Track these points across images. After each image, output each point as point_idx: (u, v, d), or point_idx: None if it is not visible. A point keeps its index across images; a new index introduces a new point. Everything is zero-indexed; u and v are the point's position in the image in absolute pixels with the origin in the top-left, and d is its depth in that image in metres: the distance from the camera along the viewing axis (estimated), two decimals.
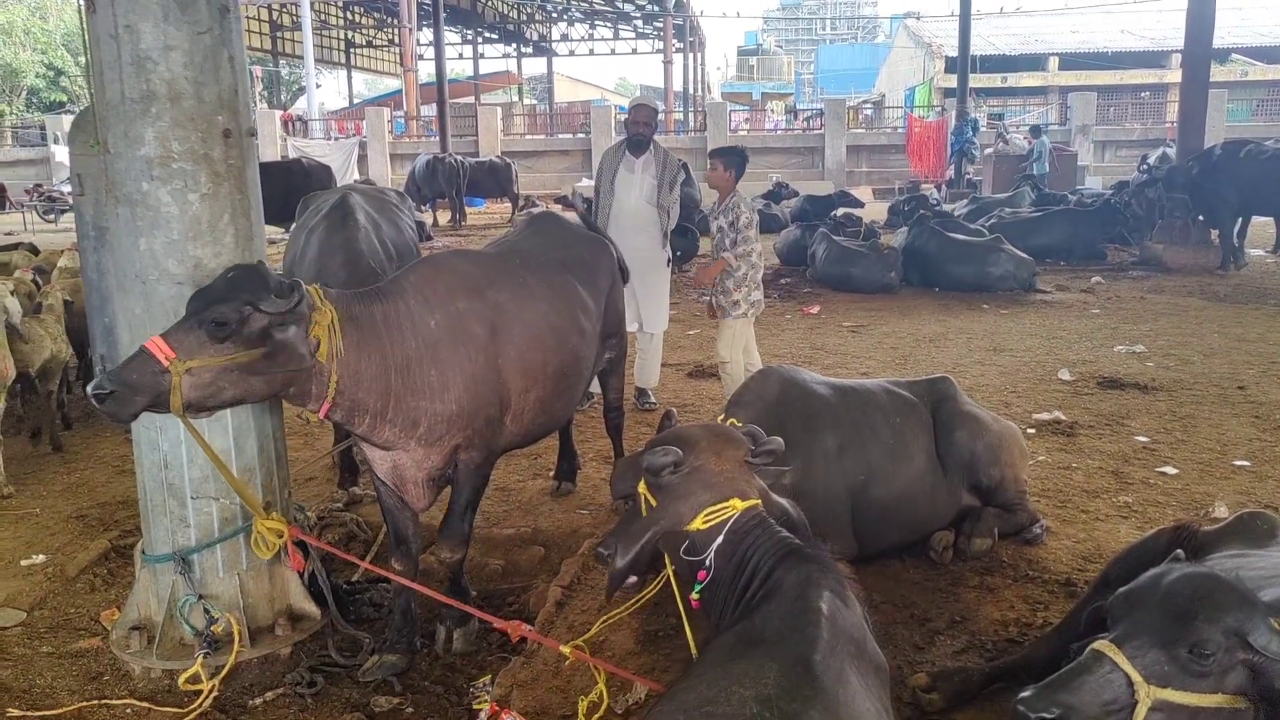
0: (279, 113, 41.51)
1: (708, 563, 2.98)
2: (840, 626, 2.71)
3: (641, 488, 3.28)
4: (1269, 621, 2.40)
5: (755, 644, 2.68)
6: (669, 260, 8.17)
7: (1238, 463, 6.49)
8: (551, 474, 6.25)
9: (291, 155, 30.34)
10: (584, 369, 4.86)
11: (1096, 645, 2.47)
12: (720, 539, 2.98)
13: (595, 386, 6.34)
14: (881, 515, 4.82)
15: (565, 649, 3.43)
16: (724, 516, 3.00)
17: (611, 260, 5.41)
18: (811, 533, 3.24)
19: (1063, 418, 7.52)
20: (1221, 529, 3.64)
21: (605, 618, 3.58)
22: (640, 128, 7.95)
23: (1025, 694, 2.39)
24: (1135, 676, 2.36)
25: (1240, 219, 15.81)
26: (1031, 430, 7.24)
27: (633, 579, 3.53)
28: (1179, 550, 2.82)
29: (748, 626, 2.81)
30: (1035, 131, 28.13)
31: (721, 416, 4.33)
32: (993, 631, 4.24)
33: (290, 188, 14.45)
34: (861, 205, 24.18)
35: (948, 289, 13.88)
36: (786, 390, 4.89)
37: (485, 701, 3.77)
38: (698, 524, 3.02)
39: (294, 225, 6.37)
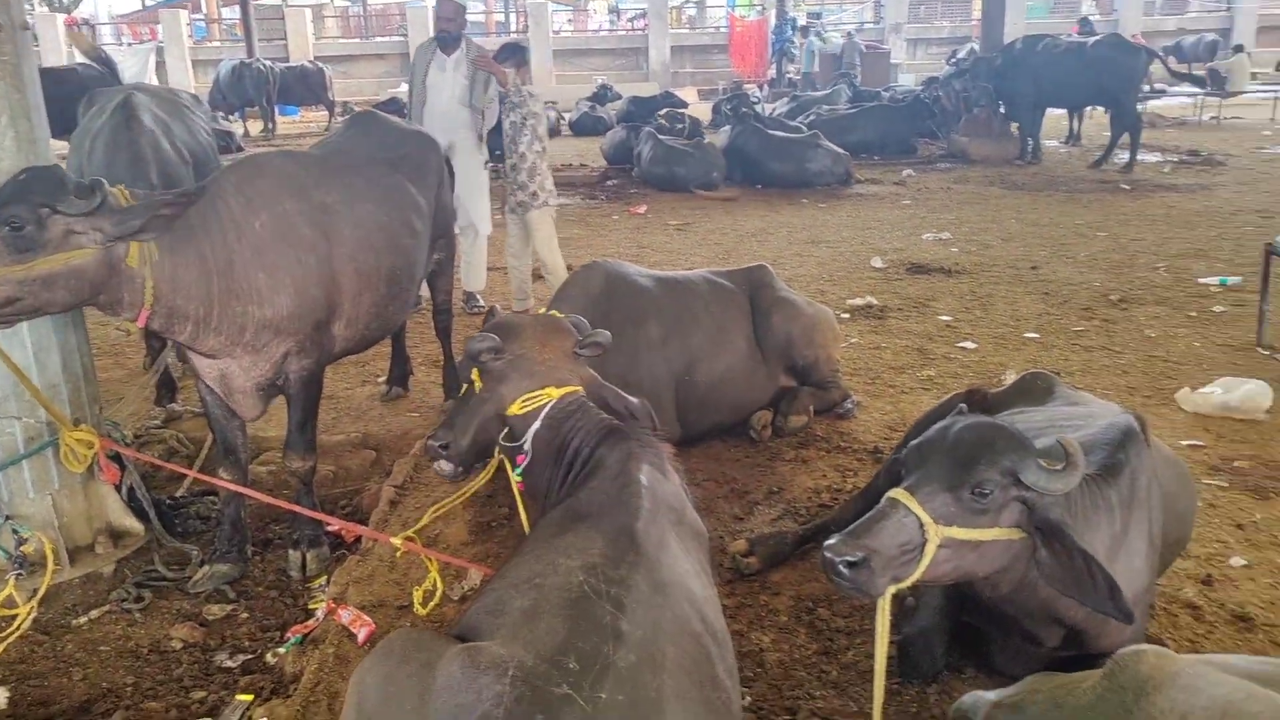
0: (61, 16, 37.76)
1: (526, 446, 3.06)
2: (660, 497, 2.85)
3: (474, 374, 3.32)
4: (1039, 461, 2.67)
5: (580, 519, 2.78)
6: (486, 161, 8.04)
7: (1028, 335, 7.06)
8: (381, 379, 6.19)
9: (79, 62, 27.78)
10: (416, 271, 4.79)
11: (891, 493, 2.68)
12: (538, 424, 3.06)
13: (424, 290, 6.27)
14: (704, 399, 5.03)
15: (396, 541, 3.46)
16: (540, 402, 3.07)
17: (439, 158, 5.28)
18: (650, 415, 3.33)
19: (874, 302, 7.95)
20: (1007, 390, 3.99)
21: (435, 508, 3.62)
22: (446, 24, 7.72)
23: (831, 541, 2.58)
24: (925, 518, 2.58)
25: (1037, 111, 16.75)
26: (846, 315, 7.63)
27: (460, 470, 3.60)
28: (962, 404, 3.08)
29: (573, 504, 2.91)
30: (805, 31, 28.60)
31: (544, 310, 4.37)
32: (806, 499, 4.54)
33: (64, 98, 13.28)
34: (686, 106, 24.26)
35: (770, 185, 14.25)
36: (611, 283, 4.98)
37: (321, 601, 3.78)
38: (515, 409, 3.08)
39: (76, 130, 5.89)
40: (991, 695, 2.36)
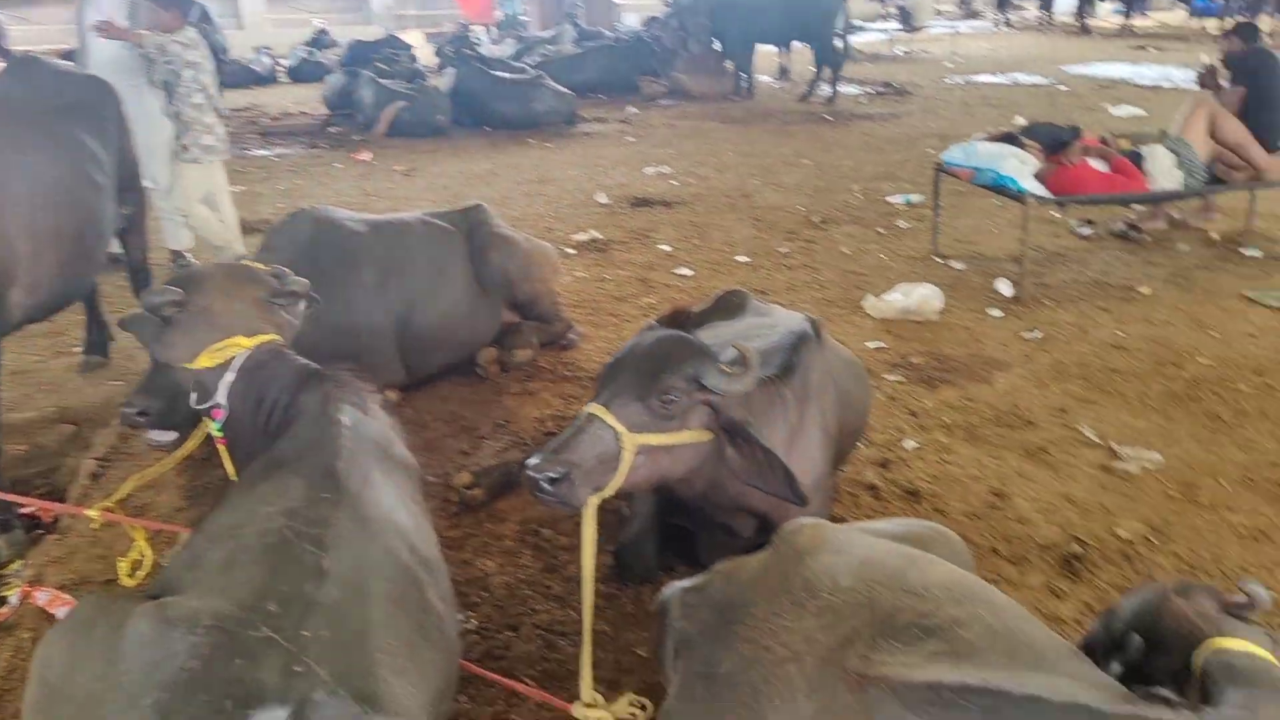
0: None
1: (220, 400, 2.96)
2: (363, 434, 2.84)
3: None
4: (719, 366, 2.89)
5: (280, 465, 2.73)
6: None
7: (740, 259, 7.50)
8: (78, 349, 5.71)
9: None
10: (102, 228, 4.43)
11: (587, 408, 2.83)
12: (231, 376, 2.96)
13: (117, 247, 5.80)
14: (427, 340, 5.02)
15: (91, 513, 3.26)
16: (230, 354, 2.97)
17: (116, 103, 4.85)
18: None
19: (599, 236, 8.16)
20: (706, 308, 4.24)
21: (136, 477, 3.43)
22: None
23: (531, 460, 2.69)
24: (619, 428, 2.75)
25: (748, 48, 17.54)
26: (571, 250, 7.79)
27: (169, 435, 3.43)
28: (652, 320, 3.28)
29: (272, 453, 2.84)
30: None
31: (247, 263, 4.19)
32: (532, 428, 4.67)
33: None
34: (410, 49, 23.51)
35: (497, 127, 14.15)
36: (319, 230, 4.84)
37: (15, 587, 3.51)
38: (205, 362, 2.97)
39: None
40: (685, 583, 2.57)
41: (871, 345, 5.58)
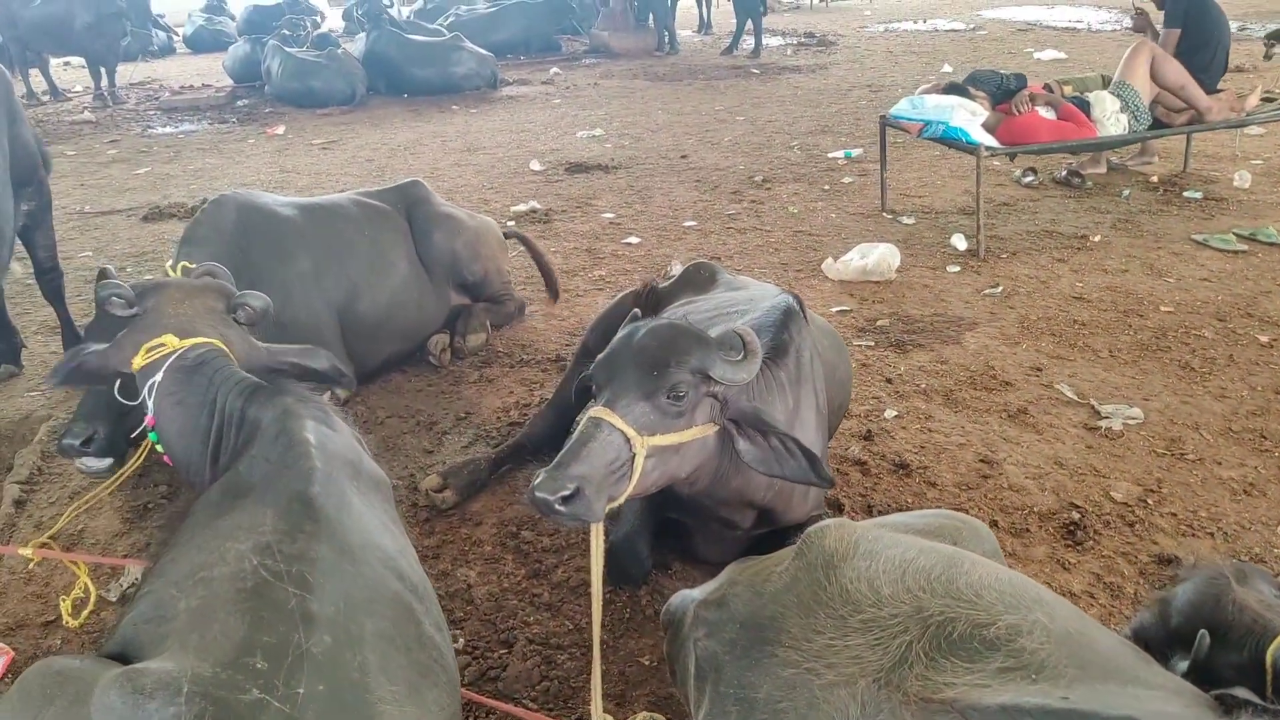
0: None
1: (147, 401, 2.69)
2: (332, 452, 2.58)
3: None
4: (724, 357, 2.69)
5: (244, 493, 2.45)
6: None
7: (687, 223, 7.28)
8: None
9: None
10: (1, 227, 4.02)
11: (592, 413, 2.59)
12: (160, 376, 2.68)
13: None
14: (373, 330, 4.71)
15: (26, 551, 2.95)
16: (162, 353, 2.69)
17: (8, 87, 4.40)
18: (336, 365, 3.03)
19: (538, 206, 7.86)
20: (674, 283, 4.03)
21: (74, 507, 3.11)
22: None
23: (538, 480, 2.42)
24: (630, 432, 2.51)
25: (668, 1, 17.19)
26: (511, 222, 7.47)
27: (104, 462, 3.14)
28: (636, 310, 3.05)
29: (232, 477, 2.56)
30: None
31: (173, 261, 3.85)
32: (495, 419, 4.41)
33: None
34: (317, 13, 22.58)
35: (416, 93, 13.65)
36: (246, 218, 4.47)
37: None
38: (139, 362, 2.69)
39: None
40: (696, 593, 2.38)
41: (836, 310, 5.43)
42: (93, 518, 3.71)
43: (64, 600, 3.07)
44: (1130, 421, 4.10)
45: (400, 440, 4.29)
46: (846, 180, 8.17)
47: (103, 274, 3.69)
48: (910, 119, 6.56)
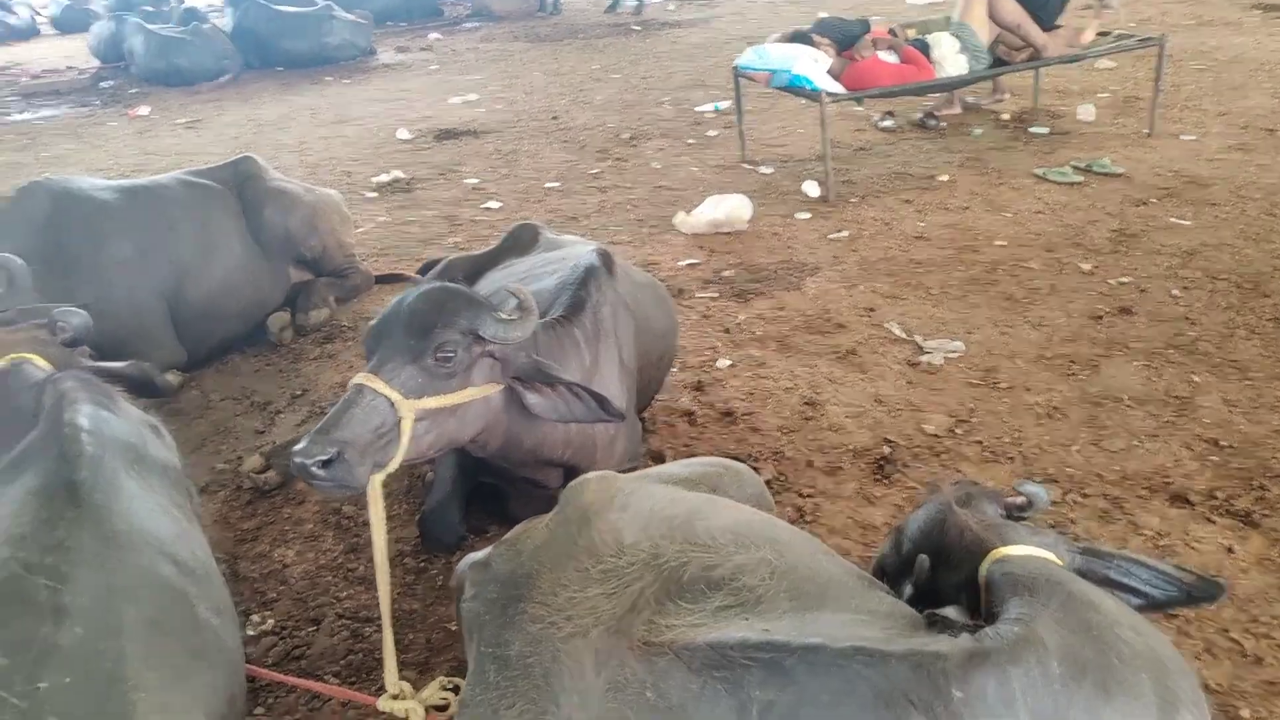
0: None
1: None
2: (108, 437, 2.53)
3: None
4: (495, 315, 2.69)
5: (11, 481, 2.42)
6: None
7: (550, 185, 7.25)
8: None
9: None
10: None
11: (356, 379, 2.59)
12: None
13: None
14: (204, 312, 4.61)
15: None
16: None
17: None
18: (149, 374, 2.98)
19: (402, 176, 7.74)
20: (497, 247, 4.04)
21: None
22: None
23: (299, 445, 2.44)
24: (394, 396, 2.51)
25: None
26: (373, 194, 7.37)
27: None
28: (416, 274, 3.03)
29: (6, 466, 2.52)
30: None
31: None
32: (332, 395, 4.36)
33: None
34: None
35: (290, 66, 13.28)
36: (59, 204, 4.32)
37: None
38: None
39: None
40: (477, 555, 2.41)
41: (684, 263, 5.48)
42: None
43: None
44: (950, 355, 4.23)
45: (231, 422, 4.22)
46: (712, 134, 8.20)
47: None
48: (757, 69, 6.60)
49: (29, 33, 19.70)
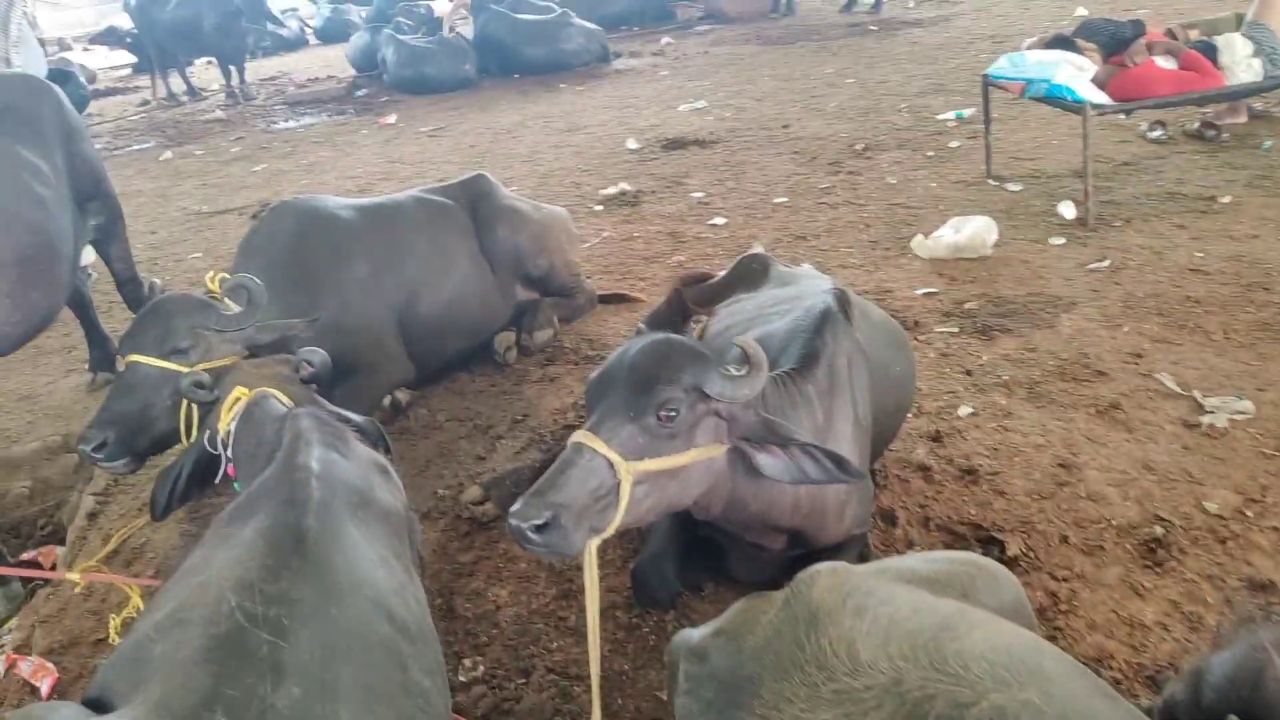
0: None
1: (227, 454, 2.78)
2: (335, 481, 2.53)
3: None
4: (720, 370, 2.49)
5: (246, 519, 2.47)
6: None
7: (777, 200, 7.00)
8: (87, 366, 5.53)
9: None
10: (59, 244, 4.15)
11: (575, 437, 2.46)
12: (232, 426, 2.80)
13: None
14: (435, 330, 4.69)
15: (73, 576, 3.05)
16: (236, 410, 2.80)
17: (58, 103, 4.50)
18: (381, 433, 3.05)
19: (628, 188, 7.70)
20: (725, 278, 3.83)
21: (123, 530, 3.21)
22: None
23: (515, 506, 2.33)
24: (614, 457, 2.37)
25: None
26: (599, 207, 7.37)
27: (124, 461, 3.35)
28: (640, 325, 2.87)
29: (241, 502, 2.58)
30: None
31: (213, 273, 3.87)
32: (552, 422, 4.32)
33: None
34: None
35: (527, 73, 13.65)
36: (304, 225, 4.49)
37: (2, 650, 3.33)
38: (223, 425, 2.83)
39: None
40: (695, 635, 2.23)
41: (920, 292, 5.09)
42: (154, 530, 3.81)
43: (114, 619, 3.17)
44: (1238, 416, 3.67)
45: (456, 445, 4.25)
46: (954, 145, 7.67)
47: (152, 288, 3.79)
48: (1011, 78, 6.06)
49: (298, 44, 21.34)
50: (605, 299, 5.49)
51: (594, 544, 2.38)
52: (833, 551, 3.00)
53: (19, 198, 3.87)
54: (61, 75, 7.70)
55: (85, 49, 20.12)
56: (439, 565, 3.42)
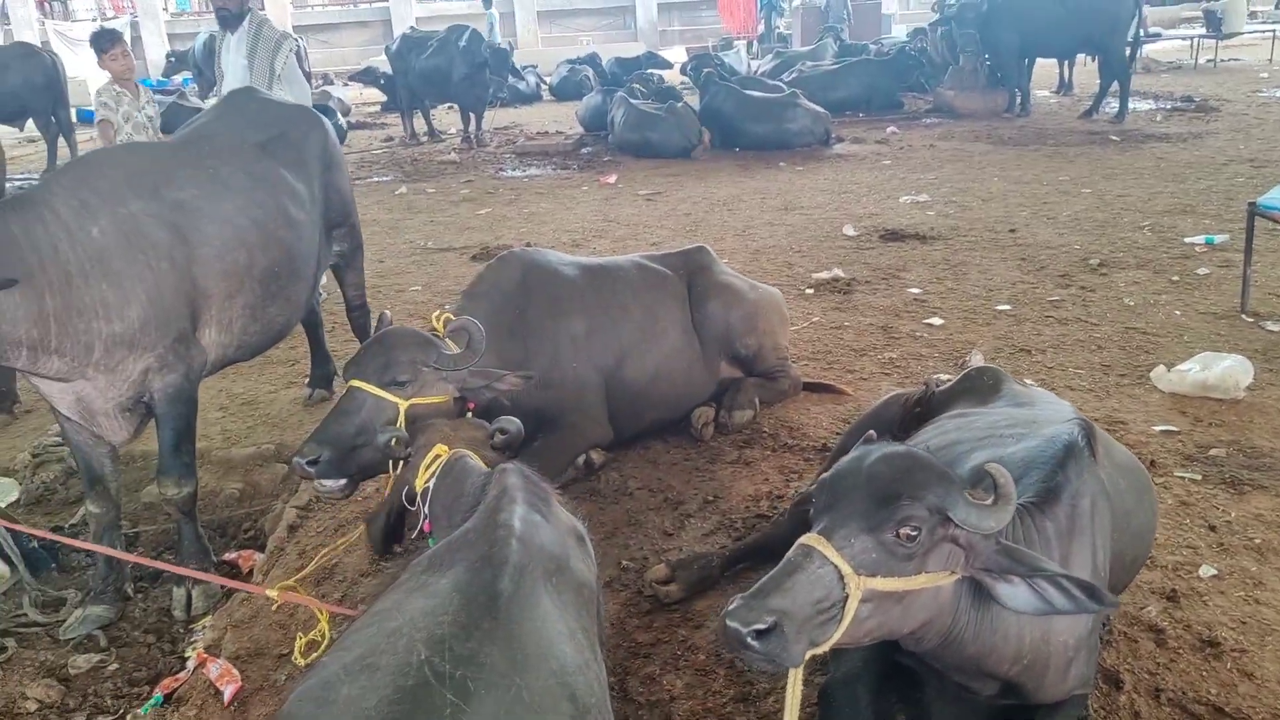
0: None
1: (424, 511, 2.81)
2: (535, 545, 2.48)
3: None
4: (965, 495, 2.30)
5: (444, 570, 2.45)
6: None
7: (1000, 307, 6.65)
8: (306, 381, 5.82)
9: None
10: (302, 266, 4.38)
11: (804, 540, 2.30)
12: (431, 484, 2.83)
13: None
14: (637, 396, 4.65)
15: (271, 593, 3.12)
16: (435, 467, 2.84)
17: (324, 136, 4.80)
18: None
19: (841, 275, 7.53)
20: (951, 388, 3.61)
21: (325, 553, 3.28)
22: (223, 1, 7.14)
23: (732, 606, 2.18)
24: (845, 569, 2.20)
25: (1023, 60, 16.16)
26: (810, 290, 7.23)
27: (338, 483, 3.43)
28: (872, 432, 2.69)
29: (440, 550, 2.57)
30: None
31: (439, 312, 3.97)
32: (744, 508, 4.17)
33: None
34: (670, 67, 23.70)
35: (748, 148, 13.77)
36: (529, 275, 4.58)
37: (195, 647, 3.45)
38: (421, 482, 2.86)
39: None
40: None
41: (1160, 429, 4.66)
42: (347, 553, 3.89)
43: (300, 638, 3.22)
44: None
45: (645, 516, 4.16)
46: (1202, 271, 7.10)
47: (382, 318, 3.93)
48: None
49: (533, 98, 22.50)
50: (810, 386, 5.32)
51: (806, 656, 2.21)
52: (1049, 710, 2.71)
53: (276, 218, 4.11)
54: (321, 109, 8.31)
55: (345, 84, 21.88)
56: (616, 640, 3.30)
